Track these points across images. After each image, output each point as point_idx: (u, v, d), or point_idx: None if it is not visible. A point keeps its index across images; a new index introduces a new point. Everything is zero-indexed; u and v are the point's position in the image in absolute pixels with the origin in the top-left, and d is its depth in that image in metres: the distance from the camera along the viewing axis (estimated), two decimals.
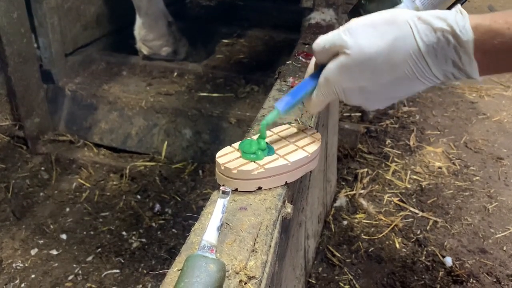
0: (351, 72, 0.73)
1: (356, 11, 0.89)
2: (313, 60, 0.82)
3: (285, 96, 0.82)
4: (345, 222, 1.91)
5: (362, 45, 0.70)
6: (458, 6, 0.69)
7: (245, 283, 0.61)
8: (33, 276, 1.60)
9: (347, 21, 0.76)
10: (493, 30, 0.64)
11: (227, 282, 0.61)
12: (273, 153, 0.83)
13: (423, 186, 2.12)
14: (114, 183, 2.03)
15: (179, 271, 0.60)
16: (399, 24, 0.69)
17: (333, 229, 1.86)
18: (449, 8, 0.86)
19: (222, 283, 0.59)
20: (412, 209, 1.98)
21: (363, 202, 2.01)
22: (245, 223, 0.72)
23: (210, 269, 0.57)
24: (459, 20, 0.66)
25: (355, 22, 0.72)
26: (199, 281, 0.56)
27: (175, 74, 2.48)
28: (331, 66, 0.75)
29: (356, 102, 0.78)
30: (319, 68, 0.79)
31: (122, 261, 1.67)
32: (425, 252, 1.77)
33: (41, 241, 1.74)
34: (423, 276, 1.67)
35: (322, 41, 0.76)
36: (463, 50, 0.66)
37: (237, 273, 0.62)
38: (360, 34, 0.71)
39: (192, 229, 0.71)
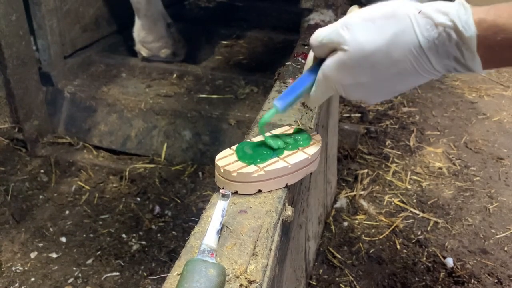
0: (350, 68, 0.71)
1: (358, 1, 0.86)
2: (311, 53, 0.80)
3: (283, 93, 0.80)
4: (345, 223, 1.90)
5: (360, 41, 0.68)
6: None
7: None
8: (32, 279, 1.59)
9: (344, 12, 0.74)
10: (498, 25, 0.61)
11: (228, 286, 0.60)
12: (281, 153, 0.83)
13: (424, 187, 2.11)
14: (114, 185, 2.02)
15: (179, 276, 0.59)
16: (398, 18, 0.66)
17: (333, 231, 1.86)
18: None
19: (223, 287, 0.58)
20: (412, 210, 1.97)
21: (364, 203, 2.01)
22: (245, 226, 0.71)
23: (210, 273, 0.57)
24: (462, 14, 0.63)
25: (354, 16, 0.70)
26: (199, 286, 0.55)
27: (175, 75, 2.47)
28: (329, 63, 0.73)
29: (356, 97, 0.76)
30: (317, 62, 0.78)
31: (122, 263, 1.66)
32: (426, 253, 1.76)
33: (40, 244, 1.73)
34: (424, 277, 1.66)
35: (319, 35, 0.74)
36: (465, 47, 0.63)
37: (238, 277, 0.62)
38: (359, 30, 0.68)
39: (192, 232, 0.71)
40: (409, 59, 0.67)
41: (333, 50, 0.73)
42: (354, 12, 0.72)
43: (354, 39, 0.69)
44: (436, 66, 0.67)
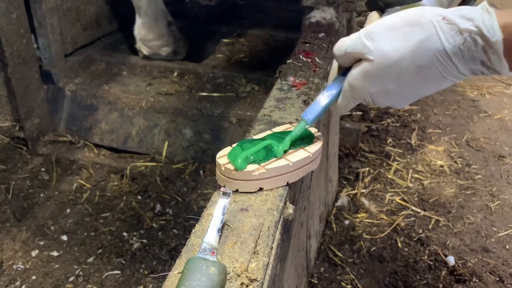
0: (376, 77, 0.71)
1: (375, 3, 0.86)
2: (335, 63, 0.81)
3: (311, 106, 0.81)
4: (346, 222, 1.90)
5: (385, 50, 0.68)
6: (485, 2, 0.66)
7: (247, 286, 0.61)
8: (34, 277, 1.59)
9: (356, 15, 0.74)
10: None
11: (229, 285, 0.60)
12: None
13: (425, 185, 2.11)
14: (115, 183, 2.02)
15: (180, 274, 0.59)
16: (422, 25, 0.66)
17: (334, 229, 1.85)
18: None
19: (224, 286, 0.58)
20: (414, 208, 1.97)
21: (365, 202, 2.00)
22: (246, 225, 0.71)
23: (211, 272, 0.57)
24: (486, 19, 0.63)
25: (376, 25, 0.70)
26: (200, 284, 0.55)
27: (175, 74, 2.47)
28: (355, 73, 0.73)
29: (383, 104, 0.76)
30: (343, 71, 0.78)
31: (123, 262, 1.66)
32: (427, 251, 1.76)
33: (41, 243, 1.73)
34: (426, 276, 1.66)
35: (343, 45, 0.74)
36: (492, 51, 0.64)
37: (239, 276, 0.62)
38: (383, 39, 0.69)
39: (193, 231, 0.70)
40: (434, 65, 0.67)
41: (358, 60, 0.73)
42: (377, 21, 0.72)
43: (378, 49, 0.69)
44: (462, 70, 0.67)
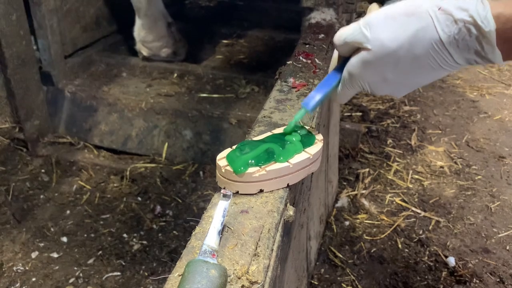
0: (374, 66, 0.73)
1: None
2: (336, 52, 0.82)
3: (310, 94, 0.82)
4: (347, 223, 1.90)
5: (383, 40, 0.70)
6: None
7: None
8: (34, 279, 1.59)
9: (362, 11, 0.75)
10: None
11: (229, 287, 0.60)
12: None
13: (425, 186, 2.11)
14: (115, 185, 2.02)
15: (180, 277, 0.59)
16: (419, 15, 0.68)
17: (335, 230, 1.85)
18: None
19: None
20: (414, 209, 1.97)
21: (365, 202, 2.00)
22: (246, 227, 0.71)
23: (211, 274, 0.57)
24: (480, 10, 0.65)
25: (375, 15, 0.72)
26: (200, 287, 0.55)
27: (175, 75, 2.47)
28: (353, 62, 0.75)
29: (382, 92, 0.78)
30: (342, 60, 0.80)
31: (123, 263, 1.66)
32: (427, 252, 1.76)
33: (41, 244, 1.73)
34: (426, 277, 1.66)
35: (342, 34, 0.76)
36: (485, 40, 0.65)
37: (239, 278, 0.61)
38: (381, 28, 0.71)
39: (193, 233, 0.70)
40: (431, 54, 0.69)
41: (357, 49, 0.75)
42: (375, 11, 0.74)
43: (376, 38, 0.71)
44: (458, 60, 0.69)
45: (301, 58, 1.32)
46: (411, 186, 2.11)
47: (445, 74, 0.74)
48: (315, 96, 0.82)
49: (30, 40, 2.11)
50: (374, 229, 1.87)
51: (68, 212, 1.88)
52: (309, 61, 1.30)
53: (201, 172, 2.09)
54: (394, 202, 2.01)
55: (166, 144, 2.16)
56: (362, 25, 0.72)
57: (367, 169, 2.19)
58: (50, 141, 2.23)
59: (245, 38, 2.90)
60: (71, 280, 1.59)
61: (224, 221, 0.67)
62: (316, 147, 0.85)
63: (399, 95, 0.80)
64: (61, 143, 2.24)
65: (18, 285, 1.57)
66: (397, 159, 2.29)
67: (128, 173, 2.05)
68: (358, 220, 1.91)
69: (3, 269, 1.62)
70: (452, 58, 0.69)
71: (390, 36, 0.70)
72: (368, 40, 0.71)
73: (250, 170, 0.77)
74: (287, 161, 0.80)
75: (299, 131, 0.87)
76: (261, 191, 0.79)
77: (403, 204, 2.00)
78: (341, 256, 1.74)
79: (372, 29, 0.71)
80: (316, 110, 0.82)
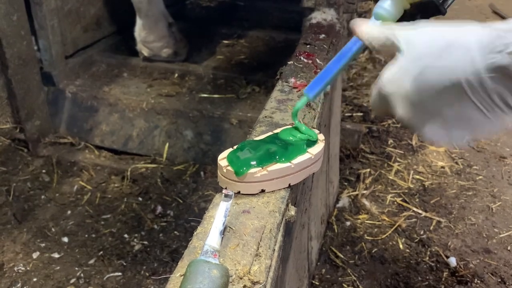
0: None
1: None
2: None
3: (312, 82, 0.83)
4: (348, 223, 1.89)
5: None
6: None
7: None
8: (35, 279, 1.59)
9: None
10: None
11: (231, 287, 0.60)
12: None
13: (426, 186, 2.10)
14: (116, 185, 2.02)
15: (182, 277, 0.59)
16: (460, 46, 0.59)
17: (336, 230, 1.85)
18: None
19: None
20: (415, 209, 1.97)
21: (366, 203, 2.00)
22: (248, 227, 0.71)
23: (213, 274, 0.56)
24: None
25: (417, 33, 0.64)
26: (202, 287, 0.55)
27: (176, 75, 2.47)
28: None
29: (432, 135, 0.67)
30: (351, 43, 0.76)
31: (124, 264, 1.66)
32: (428, 253, 1.76)
33: (42, 244, 1.73)
34: (427, 277, 1.66)
35: (370, 37, 0.69)
36: None
37: (241, 278, 0.61)
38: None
39: (195, 233, 0.70)
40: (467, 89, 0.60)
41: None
42: (415, 29, 0.66)
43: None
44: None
45: (302, 58, 1.32)
46: (412, 186, 2.11)
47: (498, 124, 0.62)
48: (317, 84, 0.82)
49: (31, 41, 2.11)
50: (375, 229, 1.86)
51: (69, 212, 1.88)
52: (310, 61, 1.30)
53: (202, 173, 2.09)
54: (395, 202, 2.01)
55: (167, 144, 2.16)
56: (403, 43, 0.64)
57: (368, 169, 2.18)
58: (51, 141, 2.23)
59: (246, 38, 2.90)
60: (72, 281, 1.59)
61: (226, 221, 0.67)
62: (318, 147, 0.85)
63: (457, 141, 0.66)
64: (62, 143, 2.24)
65: (19, 285, 1.57)
66: (398, 159, 2.29)
67: (129, 173, 2.05)
68: (359, 220, 1.90)
69: (4, 270, 1.62)
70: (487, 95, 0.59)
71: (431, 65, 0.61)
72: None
73: (252, 170, 0.77)
74: (289, 162, 0.80)
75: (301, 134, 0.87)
76: (263, 191, 0.79)
77: (404, 204, 2.00)
78: (342, 256, 1.74)
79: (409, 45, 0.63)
80: (317, 98, 0.82)
